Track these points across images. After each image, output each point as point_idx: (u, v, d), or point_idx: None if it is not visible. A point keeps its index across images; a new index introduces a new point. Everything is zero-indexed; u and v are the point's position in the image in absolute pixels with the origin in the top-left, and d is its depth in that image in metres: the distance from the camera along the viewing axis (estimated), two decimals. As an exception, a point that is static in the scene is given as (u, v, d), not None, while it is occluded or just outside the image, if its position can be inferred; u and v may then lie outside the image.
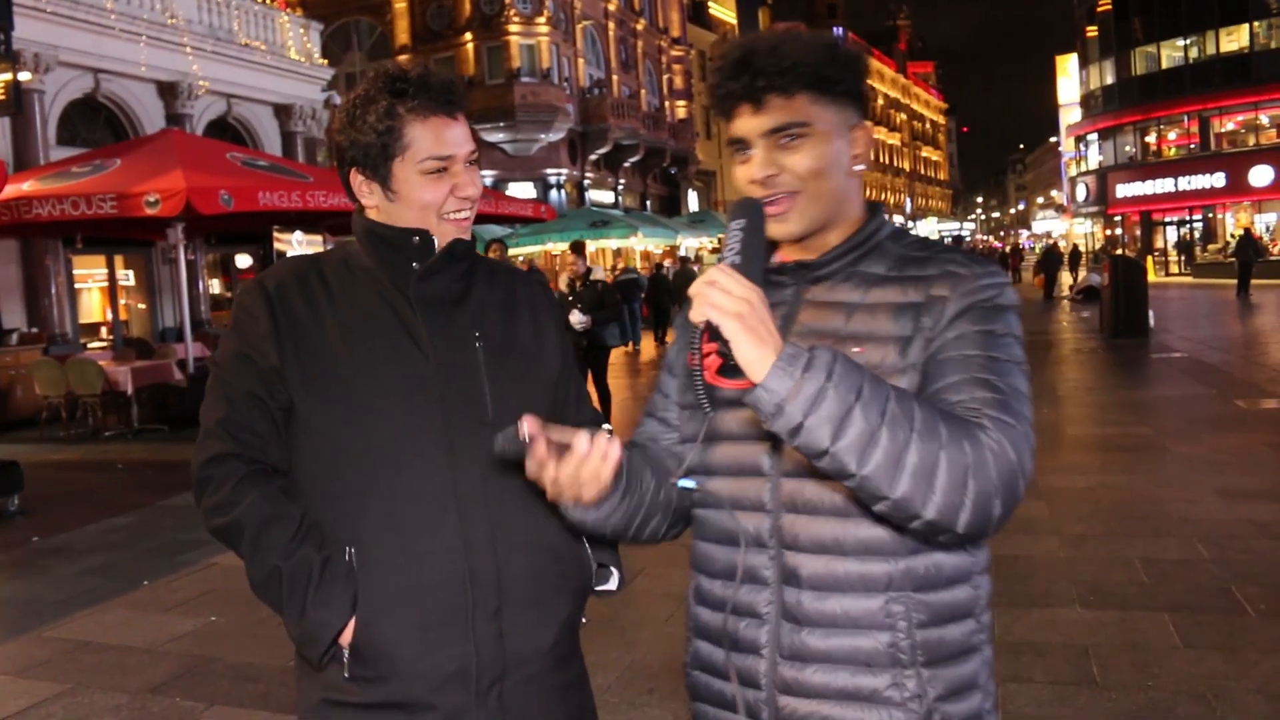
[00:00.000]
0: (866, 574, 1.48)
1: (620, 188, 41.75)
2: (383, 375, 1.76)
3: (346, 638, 1.71)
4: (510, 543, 1.78)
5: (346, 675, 1.73)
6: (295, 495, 1.78)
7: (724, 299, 1.33)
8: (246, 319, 1.80)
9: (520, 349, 1.90)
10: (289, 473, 1.81)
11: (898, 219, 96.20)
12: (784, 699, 1.53)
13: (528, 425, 1.50)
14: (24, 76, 14.90)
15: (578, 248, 11.49)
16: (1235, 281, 28.85)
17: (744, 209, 1.49)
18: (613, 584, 1.95)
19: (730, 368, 1.35)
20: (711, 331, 1.35)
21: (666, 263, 30.08)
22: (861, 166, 1.61)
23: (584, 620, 1.94)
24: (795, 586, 1.52)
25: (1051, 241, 44.52)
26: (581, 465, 1.50)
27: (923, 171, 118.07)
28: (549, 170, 36.01)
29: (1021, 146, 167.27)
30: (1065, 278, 38.06)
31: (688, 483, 1.64)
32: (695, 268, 25.29)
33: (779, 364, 1.31)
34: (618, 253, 33.60)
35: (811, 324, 1.57)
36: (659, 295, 23.46)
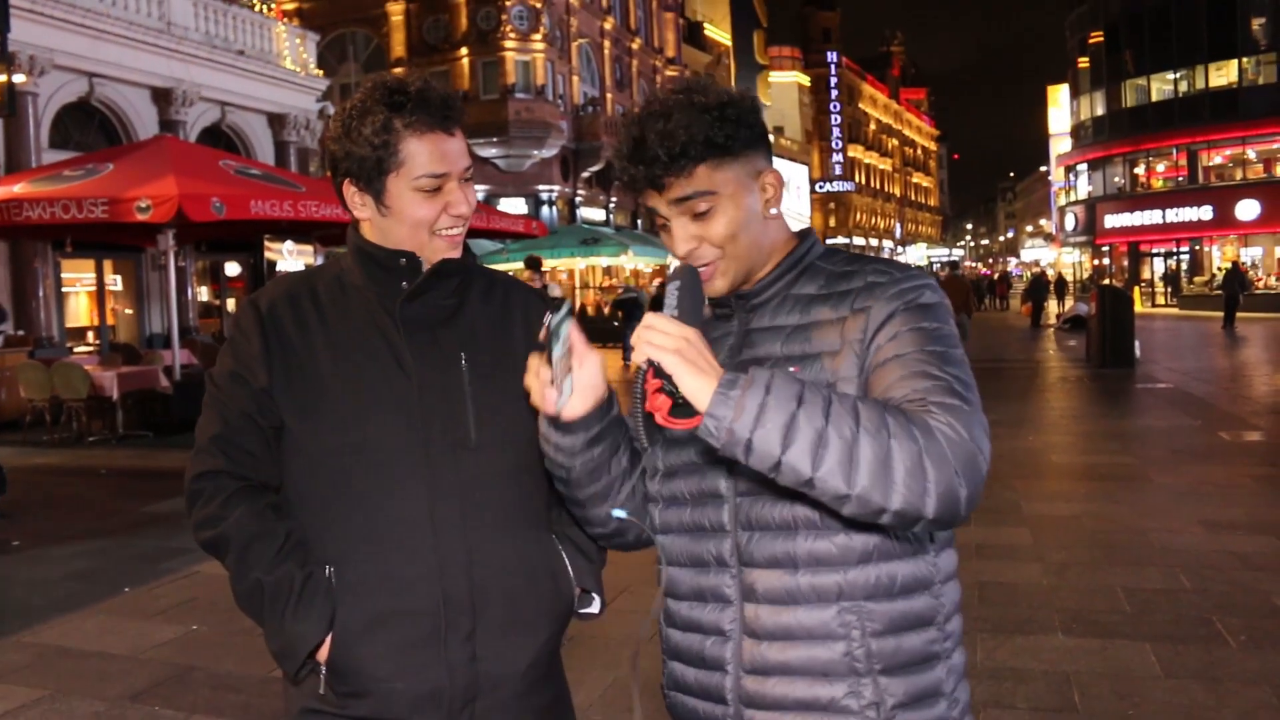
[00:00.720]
0: (818, 585, 1.53)
1: (612, 205, 41.87)
2: (366, 397, 1.77)
3: (323, 654, 1.73)
4: (487, 566, 1.78)
5: (321, 691, 1.75)
6: (285, 512, 1.80)
7: (662, 338, 1.41)
8: (240, 338, 1.83)
9: (511, 365, 1.87)
10: (279, 490, 1.83)
11: (887, 244, 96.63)
12: (749, 712, 1.59)
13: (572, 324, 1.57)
14: (18, 79, 14.90)
15: (533, 263, 11.22)
16: (1222, 314, 29.02)
17: (680, 273, 1.58)
18: (594, 607, 1.95)
19: (680, 407, 1.42)
20: (656, 370, 1.42)
21: (657, 282, 30.16)
22: (775, 210, 1.67)
23: (566, 639, 1.94)
24: (754, 602, 1.58)
25: (1039, 270, 44.76)
26: (594, 369, 1.61)
27: (913, 197, 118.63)
28: (541, 186, 36.11)
29: (1012, 175, 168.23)
30: (1052, 306, 38.25)
31: (619, 513, 1.72)
32: None
33: (719, 390, 1.37)
34: (607, 270, 33.65)
35: (753, 351, 1.64)
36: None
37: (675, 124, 1.57)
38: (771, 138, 1.78)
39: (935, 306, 1.56)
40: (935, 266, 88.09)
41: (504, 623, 1.80)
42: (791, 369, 1.55)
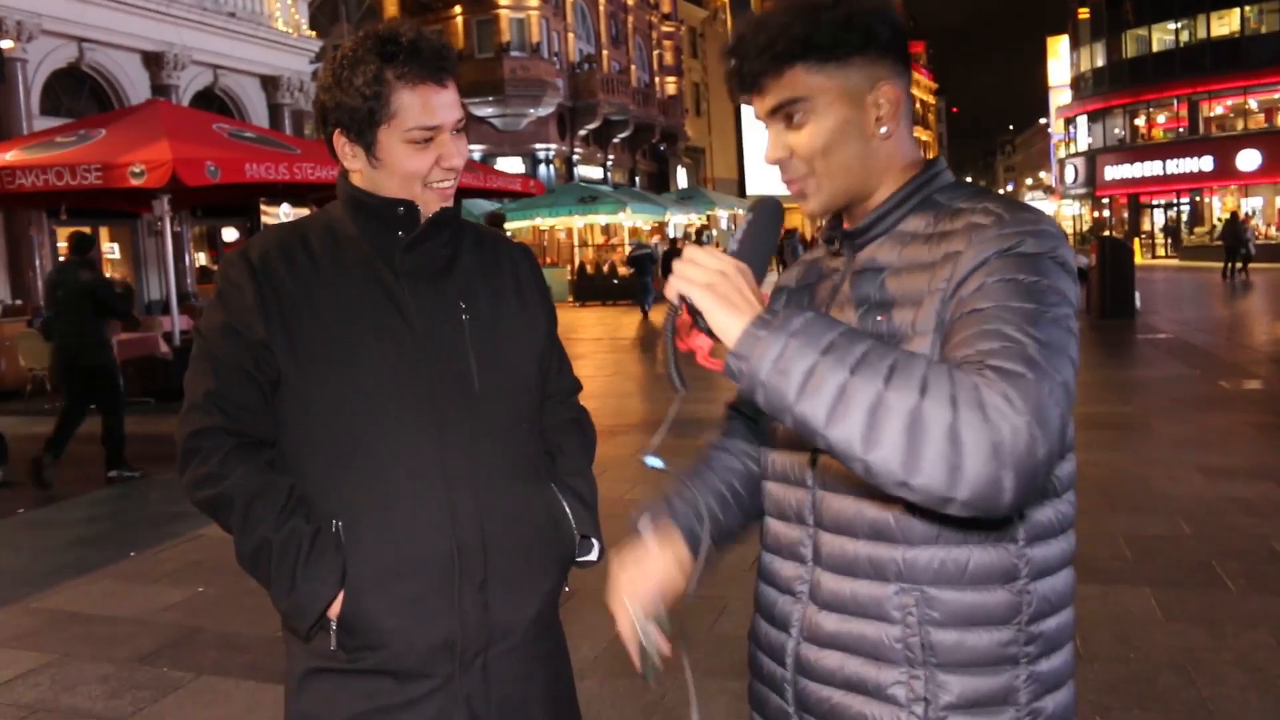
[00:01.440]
0: (876, 559, 1.39)
1: (609, 163, 41.66)
2: (369, 348, 1.74)
3: (335, 610, 1.71)
4: (496, 515, 1.78)
5: (332, 647, 1.73)
6: (281, 468, 1.77)
7: (696, 271, 1.27)
8: (231, 290, 1.77)
9: (506, 320, 1.89)
10: (275, 445, 1.79)
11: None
12: (802, 680, 1.49)
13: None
14: (6, 44, 14.76)
15: (495, 219, 10.65)
16: (1221, 265, 28.97)
17: (758, 206, 1.42)
18: (593, 554, 1.97)
19: (722, 346, 1.28)
20: (690, 307, 1.29)
21: (655, 240, 30.10)
22: (887, 129, 1.46)
23: (566, 589, 1.95)
24: (819, 566, 1.47)
25: None
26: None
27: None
28: (538, 145, 35.91)
29: (1011, 128, 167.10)
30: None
31: (656, 462, 1.54)
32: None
33: (749, 328, 1.22)
34: (605, 229, 33.55)
35: (852, 292, 1.47)
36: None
37: (769, 24, 1.41)
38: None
39: (1039, 257, 1.30)
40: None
41: (514, 571, 1.80)
42: (879, 317, 1.40)
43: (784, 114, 1.45)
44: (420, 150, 1.77)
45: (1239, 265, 28.33)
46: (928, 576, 1.36)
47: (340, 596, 1.70)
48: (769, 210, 1.41)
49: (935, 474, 1.12)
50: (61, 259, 10.00)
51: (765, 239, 1.39)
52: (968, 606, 1.35)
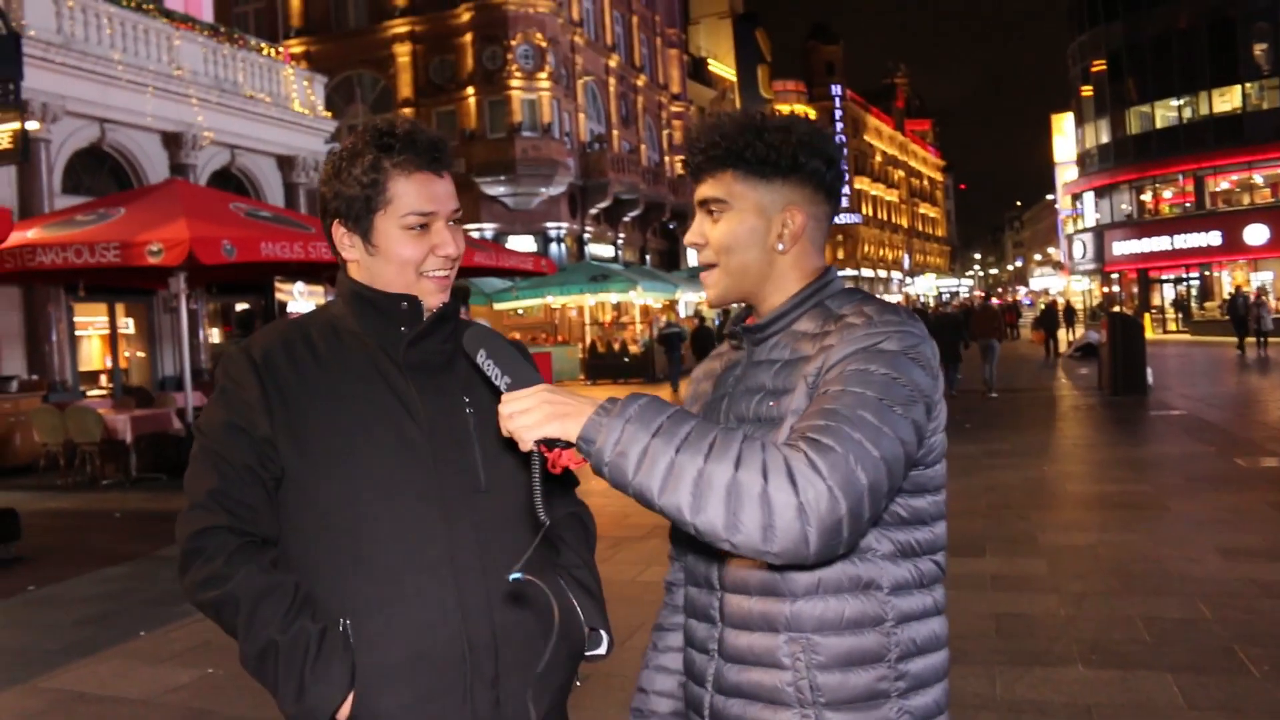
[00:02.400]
0: (767, 612, 1.58)
1: (620, 242, 42.03)
2: (376, 444, 1.74)
3: (344, 713, 1.67)
4: (506, 610, 1.77)
5: None
6: (284, 566, 1.75)
7: (525, 416, 1.44)
8: (233, 387, 1.77)
9: None
10: (278, 544, 1.77)
11: (896, 275, 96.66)
12: None
13: None
14: (32, 126, 15.04)
15: (460, 294, 10.56)
16: (1234, 339, 28.91)
17: (473, 340, 1.60)
18: (602, 648, 1.93)
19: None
20: (548, 444, 1.45)
21: (662, 319, 30.22)
22: (783, 246, 1.68)
23: (577, 684, 1.93)
24: (724, 623, 1.65)
25: (1050, 300, 44.77)
26: None
27: (920, 228, 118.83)
28: (549, 224, 36.26)
29: (1019, 203, 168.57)
30: (1062, 335, 38.11)
31: (516, 575, 1.59)
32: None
33: (592, 416, 1.41)
34: (616, 307, 33.71)
35: (748, 383, 1.69)
36: (704, 343, 23.64)
37: (718, 130, 1.67)
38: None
39: (896, 354, 1.50)
40: (945, 297, 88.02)
41: (524, 667, 1.76)
42: (771, 403, 1.60)
43: (708, 207, 1.70)
44: (416, 237, 1.79)
45: (1257, 340, 28.19)
46: (811, 624, 1.55)
47: (350, 698, 1.67)
48: (486, 337, 1.60)
49: (751, 532, 1.34)
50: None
51: (510, 357, 1.58)
52: (847, 650, 1.55)
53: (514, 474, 1.83)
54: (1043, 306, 39.21)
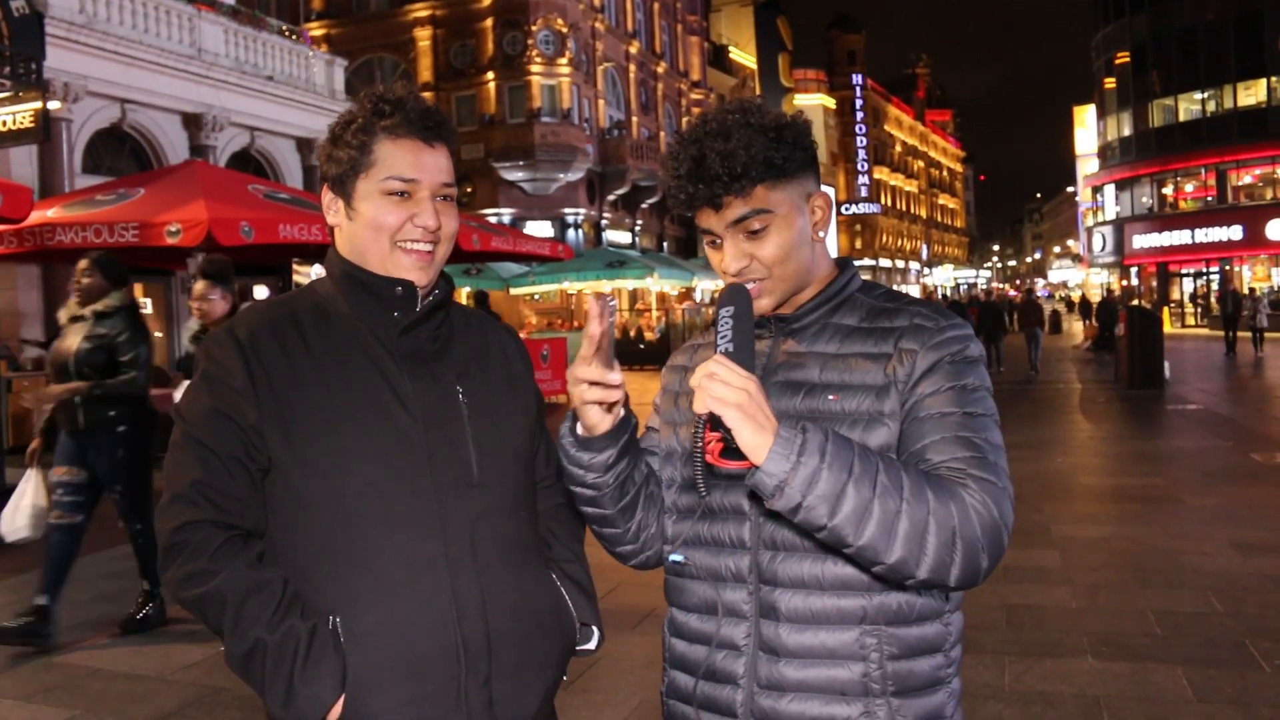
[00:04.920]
0: (843, 608, 1.58)
1: (637, 228, 41.99)
2: (367, 435, 1.66)
3: (335, 715, 1.60)
4: (499, 606, 1.72)
5: None
6: (271, 560, 1.67)
7: (724, 390, 1.42)
8: (219, 373, 1.67)
9: (500, 404, 1.84)
10: (264, 537, 1.69)
11: (914, 266, 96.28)
12: None
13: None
14: (53, 105, 15.11)
15: (219, 274, 6.61)
16: (1250, 334, 28.57)
17: (733, 296, 1.55)
18: (592, 643, 1.91)
19: (731, 450, 1.45)
20: (714, 421, 1.45)
21: (687, 305, 30.20)
22: (824, 232, 1.70)
23: (565, 679, 1.91)
24: (773, 620, 1.61)
25: (1109, 292, 44.32)
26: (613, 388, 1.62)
27: (939, 219, 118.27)
28: (567, 210, 36.25)
29: (1038, 196, 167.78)
30: (1078, 328, 37.78)
31: (677, 556, 1.73)
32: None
33: (776, 448, 1.41)
34: (633, 293, 33.70)
35: (788, 375, 1.66)
36: None
37: (736, 144, 1.59)
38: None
39: (976, 362, 1.63)
40: (963, 289, 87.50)
41: (517, 664, 1.74)
42: (831, 398, 1.60)
43: (744, 225, 1.63)
44: (394, 204, 1.73)
45: (1252, 338, 27.75)
46: (887, 617, 1.58)
47: (341, 700, 1.60)
48: (744, 299, 1.55)
49: (938, 568, 1.46)
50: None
51: (749, 330, 1.53)
52: (916, 639, 1.60)
53: (507, 466, 1.80)
54: (1098, 298, 38.67)
